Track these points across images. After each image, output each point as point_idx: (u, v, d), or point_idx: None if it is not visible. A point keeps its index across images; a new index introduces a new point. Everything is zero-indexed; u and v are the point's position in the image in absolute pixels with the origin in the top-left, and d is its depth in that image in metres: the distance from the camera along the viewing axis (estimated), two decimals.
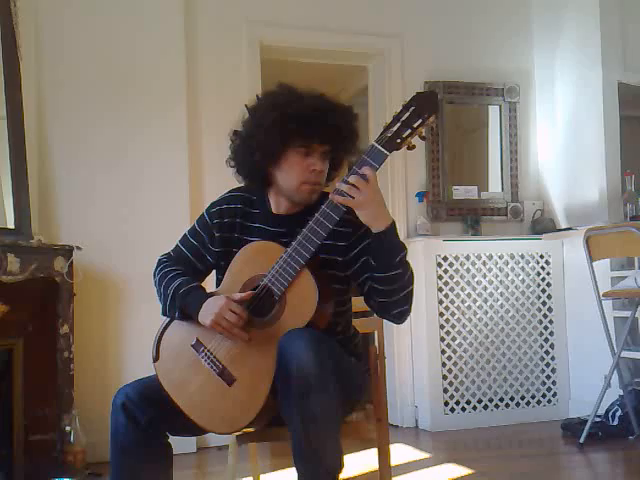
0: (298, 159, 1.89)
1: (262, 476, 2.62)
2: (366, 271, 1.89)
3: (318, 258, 1.85)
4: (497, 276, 4.32)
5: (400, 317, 1.92)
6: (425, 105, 1.78)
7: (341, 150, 1.96)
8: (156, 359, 1.90)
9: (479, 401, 4.23)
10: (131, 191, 3.77)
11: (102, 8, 3.79)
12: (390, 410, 2.33)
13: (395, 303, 1.87)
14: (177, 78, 3.89)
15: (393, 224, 1.81)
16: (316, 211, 1.82)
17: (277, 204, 1.99)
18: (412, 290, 1.88)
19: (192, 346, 1.87)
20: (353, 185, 1.75)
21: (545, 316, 4.39)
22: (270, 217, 1.99)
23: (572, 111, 4.39)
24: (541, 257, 4.40)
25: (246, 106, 1.98)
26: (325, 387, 1.67)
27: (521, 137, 4.62)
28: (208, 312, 1.83)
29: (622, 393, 3.72)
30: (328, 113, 1.88)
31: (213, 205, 2.04)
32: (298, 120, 1.85)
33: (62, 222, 3.63)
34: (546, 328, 4.38)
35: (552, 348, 4.37)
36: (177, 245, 2.08)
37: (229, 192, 2.07)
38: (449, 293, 4.23)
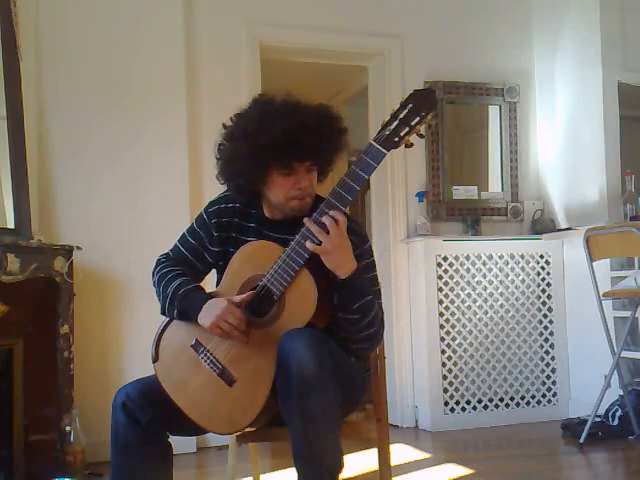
0: (282, 179, 1.87)
1: (262, 476, 2.62)
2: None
3: (317, 258, 1.85)
4: (497, 276, 4.31)
5: (366, 349, 1.96)
6: (423, 103, 1.78)
7: (326, 158, 1.93)
8: (155, 360, 1.90)
9: (479, 401, 4.23)
10: (131, 191, 3.77)
11: (102, 8, 3.79)
12: (390, 410, 2.32)
13: (356, 341, 1.89)
14: (177, 78, 3.89)
15: (357, 270, 1.80)
16: (311, 214, 1.81)
17: (271, 213, 1.98)
18: (374, 332, 1.88)
19: (192, 347, 1.86)
20: (323, 226, 1.75)
21: (545, 316, 4.38)
22: (266, 220, 1.99)
23: (572, 111, 4.39)
24: (541, 257, 4.39)
25: (224, 125, 1.94)
26: (325, 387, 1.67)
27: (521, 137, 4.62)
28: (208, 314, 1.82)
29: (622, 393, 3.72)
30: (302, 133, 1.81)
31: (211, 204, 2.04)
32: (272, 149, 1.81)
33: (62, 222, 3.63)
34: (546, 328, 4.38)
35: (552, 348, 4.37)
36: (176, 245, 2.07)
37: (227, 191, 2.05)
38: (449, 293, 4.22)
